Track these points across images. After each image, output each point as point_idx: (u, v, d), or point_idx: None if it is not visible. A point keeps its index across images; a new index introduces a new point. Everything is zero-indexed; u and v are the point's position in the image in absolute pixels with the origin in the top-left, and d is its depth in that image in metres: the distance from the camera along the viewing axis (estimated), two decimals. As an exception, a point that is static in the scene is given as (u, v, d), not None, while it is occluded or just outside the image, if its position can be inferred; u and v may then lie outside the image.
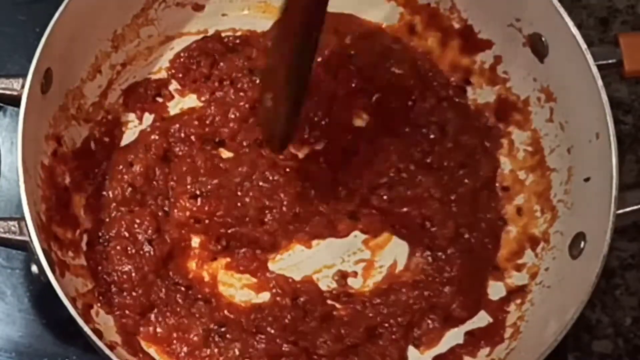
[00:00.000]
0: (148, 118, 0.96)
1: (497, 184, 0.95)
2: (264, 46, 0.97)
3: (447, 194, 0.94)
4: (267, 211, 0.93)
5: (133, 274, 0.89)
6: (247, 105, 0.96)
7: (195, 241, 0.92)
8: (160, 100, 0.97)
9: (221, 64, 0.97)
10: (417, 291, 0.90)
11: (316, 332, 0.89)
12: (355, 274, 0.92)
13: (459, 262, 0.91)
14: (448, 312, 0.90)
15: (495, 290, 0.92)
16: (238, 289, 0.91)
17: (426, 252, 0.92)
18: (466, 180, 0.94)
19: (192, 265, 0.91)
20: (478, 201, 0.94)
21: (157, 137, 0.94)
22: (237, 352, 0.88)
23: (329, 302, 0.90)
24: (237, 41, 0.98)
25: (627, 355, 0.95)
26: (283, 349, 0.88)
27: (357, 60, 0.98)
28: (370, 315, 0.90)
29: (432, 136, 0.96)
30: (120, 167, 0.93)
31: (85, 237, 0.90)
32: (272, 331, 0.88)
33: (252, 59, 0.97)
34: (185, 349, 0.88)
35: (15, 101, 0.83)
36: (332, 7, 0.99)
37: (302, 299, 0.90)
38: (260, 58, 0.97)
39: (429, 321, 0.90)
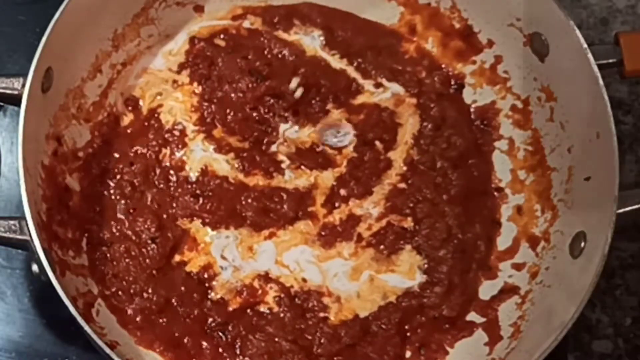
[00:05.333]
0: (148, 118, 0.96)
1: (491, 185, 0.96)
2: (260, 46, 0.98)
3: (439, 195, 0.94)
4: (267, 212, 0.93)
5: (140, 275, 0.89)
6: (247, 106, 0.96)
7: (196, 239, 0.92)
8: (160, 99, 0.97)
9: (219, 64, 0.97)
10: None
11: (314, 331, 0.89)
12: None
13: (451, 264, 0.92)
14: (438, 312, 0.90)
15: (486, 289, 0.92)
16: (238, 287, 0.91)
17: (418, 252, 0.92)
18: (459, 182, 0.95)
19: (194, 263, 0.92)
20: (471, 203, 0.94)
21: (156, 137, 0.94)
22: (237, 350, 0.88)
23: (326, 299, 0.90)
24: (232, 42, 0.98)
25: (627, 355, 0.95)
26: (282, 347, 0.88)
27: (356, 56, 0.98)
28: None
29: (428, 133, 0.96)
30: (121, 166, 0.93)
31: (85, 237, 0.90)
32: (272, 330, 0.88)
33: (249, 59, 0.97)
34: (186, 346, 0.88)
35: (15, 100, 0.83)
36: (332, 6, 1.00)
37: (301, 298, 0.90)
38: (257, 58, 0.97)
39: (420, 321, 0.90)
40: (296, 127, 0.96)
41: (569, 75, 0.88)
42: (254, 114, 0.96)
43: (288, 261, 0.92)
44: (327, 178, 0.95)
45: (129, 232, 0.91)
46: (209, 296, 0.90)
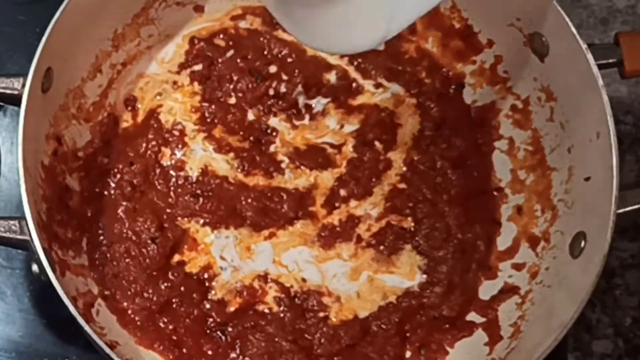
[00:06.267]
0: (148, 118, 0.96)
1: (491, 185, 0.96)
2: (260, 46, 0.98)
3: (439, 195, 0.94)
4: (267, 212, 0.93)
5: (140, 275, 0.89)
6: (247, 106, 0.96)
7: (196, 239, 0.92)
8: (160, 99, 0.97)
9: (219, 64, 0.97)
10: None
11: (314, 331, 0.89)
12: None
13: (451, 264, 0.92)
14: (438, 312, 0.90)
15: (486, 289, 0.92)
16: (238, 287, 0.91)
17: (418, 252, 0.92)
18: (459, 182, 0.95)
19: (194, 263, 0.92)
20: (471, 203, 0.94)
21: (156, 136, 0.94)
22: (237, 350, 0.88)
23: (326, 299, 0.90)
24: (231, 42, 0.98)
25: (627, 355, 0.95)
26: (282, 347, 0.88)
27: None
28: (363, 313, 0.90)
29: (428, 133, 0.96)
30: (121, 166, 0.93)
31: (85, 238, 0.90)
32: (272, 330, 0.88)
33: (249, 59, 0.97)
34: (186, 346, 0.88)
35: (15, 100, 0.83)
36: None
37: (301, 298, 0.90)
38: (257, 58, 0.97)
39: (420, 321, 0.90)
40: (296, 127, 0.96)
41: (569, 75, 0.88)
42: (254, 114, 0.96)
43: (286, 261, 0.92)
44: (326, 178, 0.95)
45: (129, 232, 0.91)
46: (209, 296, 0.90)
